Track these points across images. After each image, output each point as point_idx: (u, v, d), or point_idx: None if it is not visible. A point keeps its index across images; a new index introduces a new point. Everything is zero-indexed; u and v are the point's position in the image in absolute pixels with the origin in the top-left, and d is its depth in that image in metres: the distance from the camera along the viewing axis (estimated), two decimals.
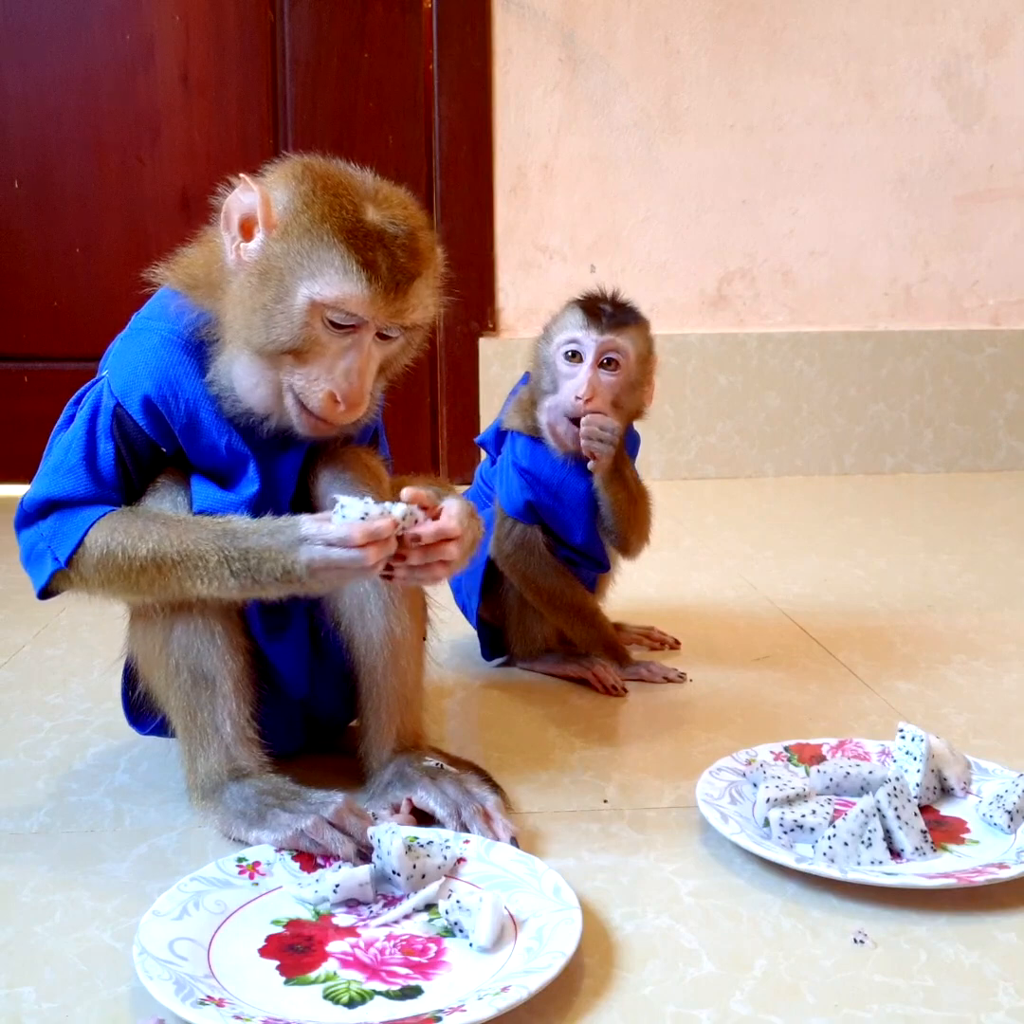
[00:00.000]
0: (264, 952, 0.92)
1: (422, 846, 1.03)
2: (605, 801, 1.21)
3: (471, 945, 0.92)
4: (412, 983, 0.88)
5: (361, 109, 2.86)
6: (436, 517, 1.07)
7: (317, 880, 1.00)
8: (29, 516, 1.12)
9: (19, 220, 2.84)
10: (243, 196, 1.09)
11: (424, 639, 1.26)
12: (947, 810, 1.16)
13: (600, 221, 2.93)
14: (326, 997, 0.87)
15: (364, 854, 1.03)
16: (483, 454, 1.69)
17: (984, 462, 3.06)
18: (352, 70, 2.84)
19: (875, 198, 2.98)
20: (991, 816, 1.12)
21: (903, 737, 1.19)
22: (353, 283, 1.06)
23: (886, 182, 2.98)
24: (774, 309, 3.00)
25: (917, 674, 1.58)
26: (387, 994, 0.87)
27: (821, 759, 1.24)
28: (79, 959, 0.93)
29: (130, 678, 1.25)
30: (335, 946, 0.93)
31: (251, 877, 1.02)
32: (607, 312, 1.48)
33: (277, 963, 0.91)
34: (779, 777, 1.15)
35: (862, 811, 1.06)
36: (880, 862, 1.05)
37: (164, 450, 1.15)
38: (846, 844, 1.05)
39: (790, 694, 1.51)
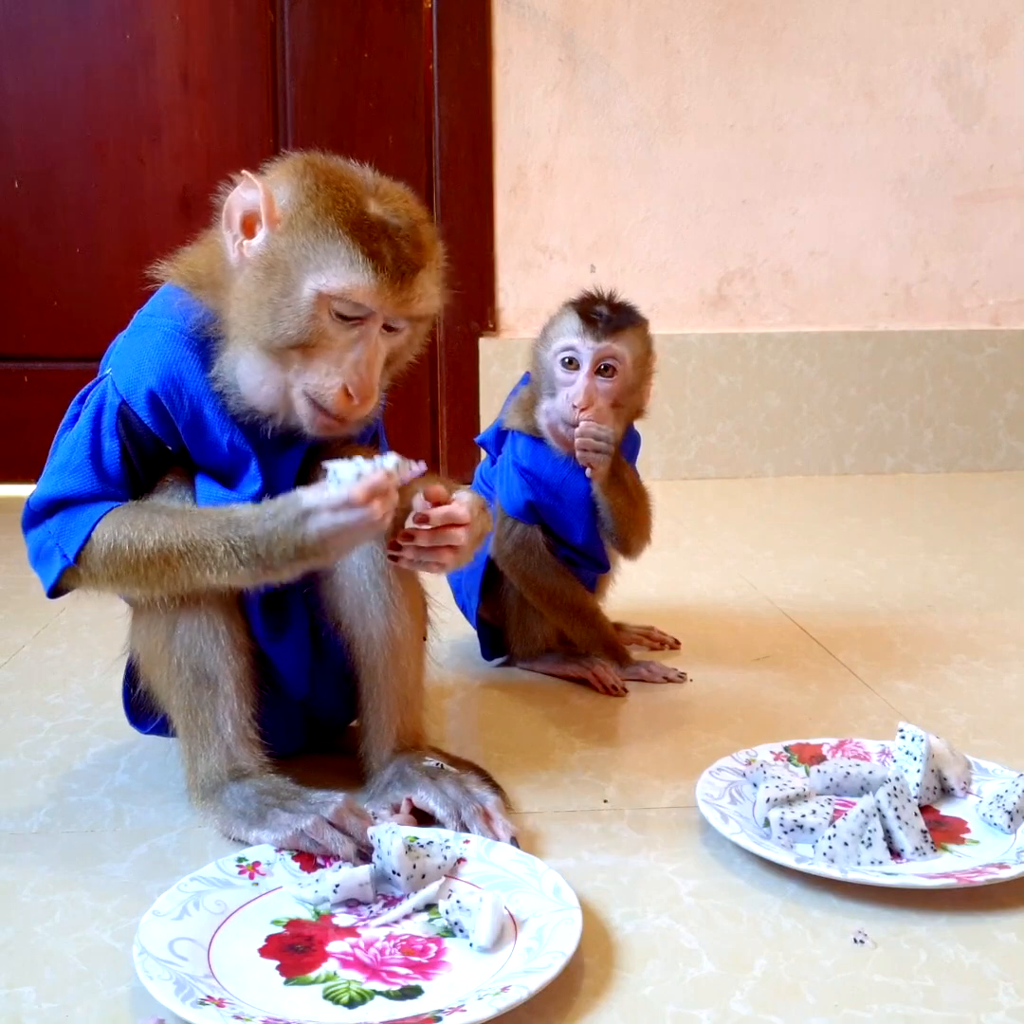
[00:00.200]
0: (264, 952, 0.92)
1: (422, 846, 1.03)
2: (605, 801, 1.21)
3: (471, 945, 0.92)
4: (412, 983, 0.88)
5: (361, 109, 2.86)
6: (445, 502, 1.10)
7: (317, 880, 1.00)
8: (36, 515, 1.12)
9: (19, 220, 2.84)
10: (245, 193, 1.09)
11: (424, 639, 1.26)
12: (947, 810, 1.16)
13: (600, 221, 2.93)
14: (326, 997, 0.87)
15: (364, 854, 1.04)
16: (483, 454, 1.69)
17: (984, 462, 3.06)
18: (352, 70, 2.84)
19: (875, 198, 2.98)
20: (991, 816, 1.12)
21: (903, 737, 1.19)
22: (359, 274, 1.06)
23: (886, 182, 2.98)
24: (774, 309, 3.00)
25: (917, 674, 1.58)
26: (387, 994, 0.87)
27: (821, 759, 1.24)
28: (79, 959, 0.93)
29: (132, 677, 1.25)
30: (335, 946, 0.93)
31: (251, 877, 1.02)
32: (603, 317, 1.47)
33: (277, 963, 0.91)
34: (779, 777, 1.15)
35: (862, 811, 1.06)
36: (880, 862, 1.05)
37: (169, 447, 1.15)
38: (846, 844, 1.05)
39: (790, 694, 1.51)
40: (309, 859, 1.04)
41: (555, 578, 1.55)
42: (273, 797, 1.10)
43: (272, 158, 1.15)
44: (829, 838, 1.05)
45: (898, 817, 1.07)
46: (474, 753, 1.29)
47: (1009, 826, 1.10)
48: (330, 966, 0.91)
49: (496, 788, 1.17)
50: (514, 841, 1.07)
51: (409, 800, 1.13)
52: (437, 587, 1.36)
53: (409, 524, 1.11)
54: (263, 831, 1.07)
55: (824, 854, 1.05)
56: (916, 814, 1.08)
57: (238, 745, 1.14)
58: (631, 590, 1.82)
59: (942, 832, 1.11)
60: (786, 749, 1.25)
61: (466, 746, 1.35)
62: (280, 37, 2.82)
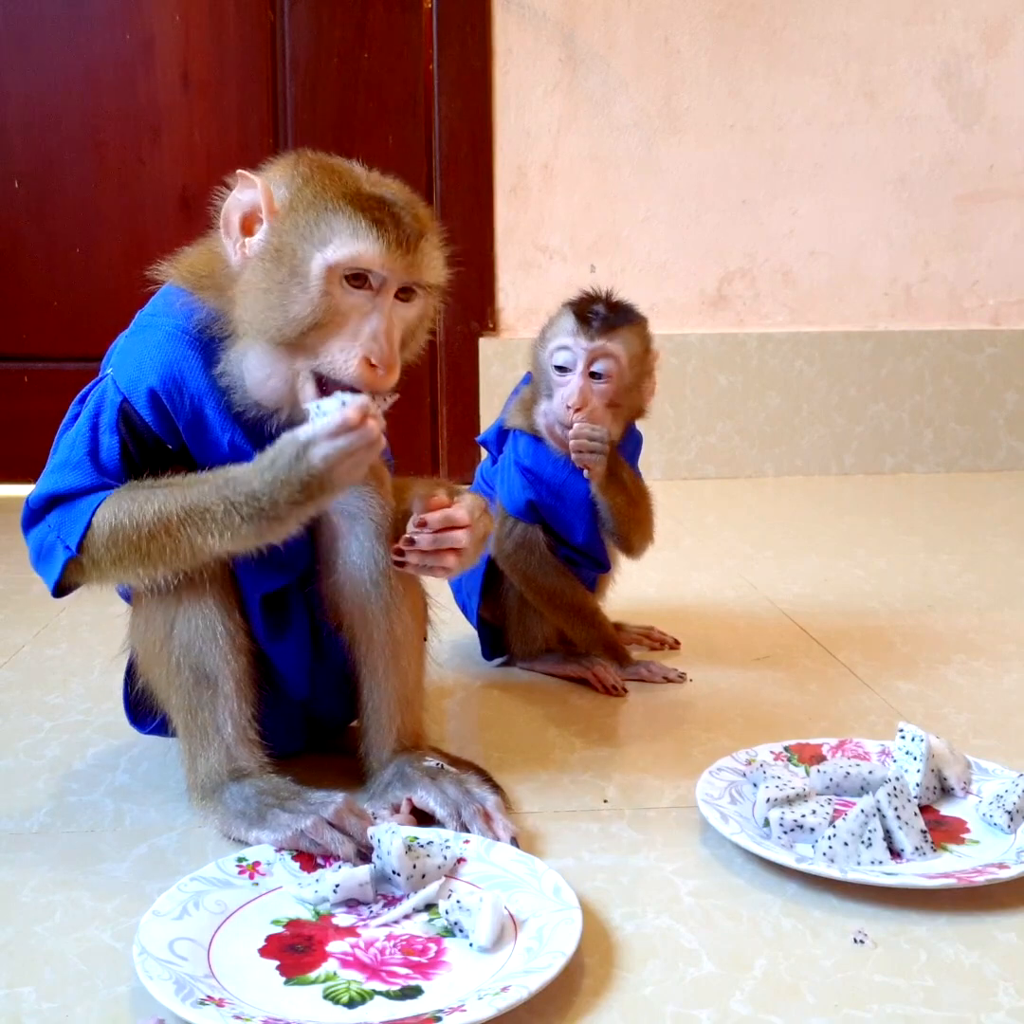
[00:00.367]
0: (264, 952, 0.92)
1: (422, 846, 1.03)
2: (605, 801, 1.21)
3: (471, 945, 0.92)
4: (412, 983, 0.88)
5: (361, 109, 2.86)
6: (444, 506, 1.11)
7: (317, 880, 1.00)
8: (35, 513, 1.12)
9: (19, 220, 2.84)
10: (241, 194, 1.09)
11: (425, 639, 1.26)
12: (947, 810, 1.16)
13: (600, 221, 2.93)
14: (326, 997, 0.87)
15: (364, 854, 1.03)
16: (484, 453, 1.69)
17: (984, 462, 3.06)
18: (352, 70, 2.84)
19: (875, 198, 2.98)
20: (991, 816, 1.12)
21: (903, 737, 1.19)
22: (364, 240, 1.06)
23: (886, 182, 2.98)
24: (774, 309, 3.00)
25: (917, 674, 1.58)
26: (387, 994, 0.87)
27: (821, 759, 1.24)
28: (79, 959, 0.93)
29: (132, 676, 1.25)
30: (335, 946, 0.93)
31: (251, 877, 1.02)
32: (598, 316, 1.47)
33: (277, 963, 0.91)
34: (779, 777, 1.15)
35: (862, 811, 1.06)
36: (880, 862, 1.05)
37: (169, 446, 1.15)
38: (846, 844, 1.05)
39: (790, 694, 1.51)
40: (309, 859, 1.04)
41: (555, 578, 1.55)
42: (273, 797, 1.10)
43: (272, 158, 1.16)
44: (829, 838, 1.05)
45: (898, 817, 1.07)
46: (474, 753, 1.29)
47: (1009, 826, 1.10)
48: (330, 966, 0.91)
49: (496, 788, 1.17)
50: (514, 841, 1.07)
51: (409, 800, 1.13)
52: (437, 587, 1.36)
53: (410, 529, 1.11)
54: (263, 831, 1.07)
55: (824, 854, 1.05)
56: (916, 814, 1.08)
57: (238, 745, 1.13)
58: (631, 590, 1.82)
59: (942, 832, 1.11)
60: (786, 749, 1.25)
61: (466, 746, 1.35)
62: (280, 37, 2.82)
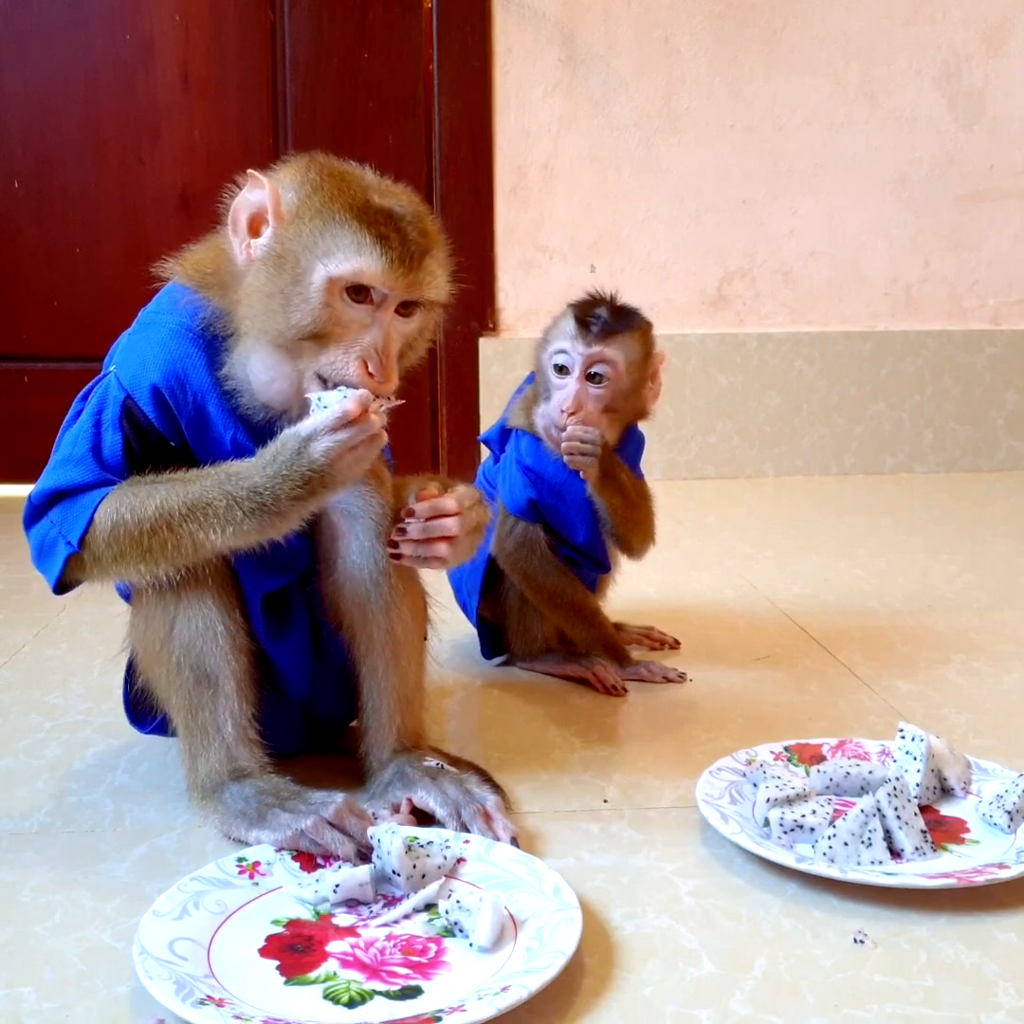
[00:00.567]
0: (264, 952, 0.92)
1: (422, 846, 1.03)
2: (605, 801, 1.21)
3: (471, 945, 0.92)
4: (412, 983, 0.88)
5: (361, 109, 2.86)
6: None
7: (317, 880, 1.00)
8: (37, 509, 1.12)
9: (19, 220, 2.84)
10: (250, 194, 1.09)
11: (425, 639, 1.26)
12: (947, 810, 1.16)
13: (600, 221, 2.93)
14: (326, 997, 0.87)
15: (364, 854, 1.03)
16: (485, 452, 1.69)
17: (984, 462, 3.06)
18: (352, 70, 2.84)
19: (875, 198, 2.98)
20: (991, 816, 1.12)
21: (903, 737, 1.19)
22: (368, 256, 1.06)
23: (886, 182, 2.98)
24: (774, 309, 3.00)
25: (917, 674, 1.58)
26: (387, 994, 0.87)
27: (821, 759, 1.24)
28: (79, 959, 0.93)
29: (131, 675, 1.25)
30: (335, 946, 0.93)
31: (251, 877, 1.02)
32: (599, 321, 1.46)
33: (277, 963, 0.91)
34: (779, 777, 1.15)
35: (862, 811, 1.06)
36: (880, 862, 1.05)
37: (172, 443, 1.15)
38: (846, 844, 1.05)
39: (790, 694, 1.51)
40: (309, 859, 1.04)
41: (556, 577, 1.55)
42: (273, 797, 1.10)
43: (272, 158, 1.16)
44: (829, 838, 1.05)
45: (898, 817, 1.07)
46: (474, 753, 1.29)
47: (1009, 826, 1.10)
48: (330, 966, 0.91)
49: (496, 788, 1.17)
50: (514, 841, 1.07)
51: (409, 800, 1.13)
52: (438, 587, 1.36)
53: (403, 521, 1.12)
54: (263, 831, 1.07)
55: (824, 854, 1.05)
56: (916, 814, 1.08)
57: (238, 745, 1.13)
58: (631, 590, 1.82)
59: (942, 832, 1.11)
60: (786, 749, 1.25)
61: (466, 746, 1.35)
62: (280, 37, 2.82)
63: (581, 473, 1.47)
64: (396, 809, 1.13)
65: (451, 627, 1.59)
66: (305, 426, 1.03)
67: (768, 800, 1.12)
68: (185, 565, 1.09)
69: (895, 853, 1.07)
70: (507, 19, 2.83)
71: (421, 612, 1.24)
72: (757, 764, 1.19)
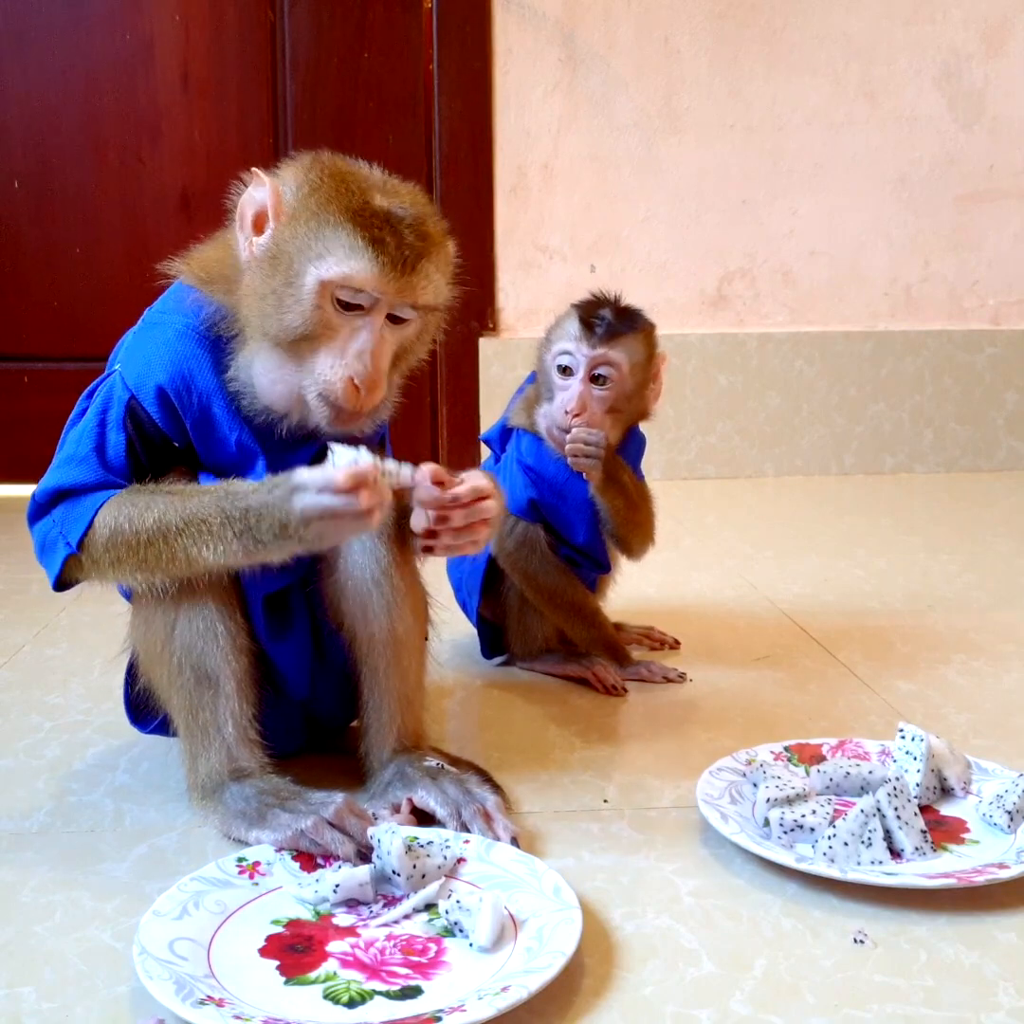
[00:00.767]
0: (264, 952, 0.92)
1: (422, 846, 1.03)
2: (605, 801, 1.21)
3: (471, 945, 0.92)
4: (412, 983, 0.88)
5: (361, 109, 2.86)
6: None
7: (317, 880, 1.00)
8: (41, 507, 1.12)
9: (19, 220, 2.84)
10: (255, 192, 1.10)
11: (426, 639, 1.26)
12: (947, 810, 1.16)
13: (600, 221, 2.93)
14: (326, 997, 0.87)
15: (364, 854, 1.03)
16: (485, 452, 1.69)
17: (984, 462, 3.06)
18: (352, 70, 2.84)
19: (875, 198, 2.98)
20: (991, 816, 1.12)
21: (903, 737, 1.19)
22: (360, 260, 1.06)
23: (886, 182, 2.98)
24: (774, 309, 3.00)
25: (917, 674, 1.58)
26: (387, 994, 0.87)
27: (821, 759, 1.24)
28: (79, 959, 0.93)
29: (132, 675, 1.25)
30: (335, 946, 0.93)
31: (251, 877, 1.02)
32: (603, 322, 1.46)
33: (277, 963, 0.91)
34: (779, 777, 1.15)
35: (862, 811, 1.06)
36: (880, 862, 1.05)
37: (176, 444, 1.15)
38: (846, 844, 1.05)
39: (790, 694, 1.51)
40: (309, 859, 1.04)
41: (556, 577, 1.55)
42: (273, 797, 1.10)
43: (272, 158, 1.16)
44: (829, 838, 1.05)
45: (898, 817, 1.07)
46: (474, 753, 1.29)
47: (1009, 826, 1.10)
48: (330, 966, 0.91)
49: (496, 788, 1.17)
50: (514, 841, 1.07)
51: (409, 800, 1.13)
52: (438, 587, 1.36)
53: (437, 505, 1.09)
54: (263, 831, 1.07)
55: (824, 854, 1.05)
56: (916, 814, 1.08)
57: (239, 745, 1.13)
58: (631, 590, 1.82)
59: (942, 832, 1.11)
60: (786, 749, 1.25)
61: (466, 746, 1.35)
62: (280, 37, 2.82)
63: (584, 475, 1.47)
64: (396, 809, 1.13)
65: (451, 627, 1.59)
66: (302, 474, 1.02)
67: (768, 800, 1.12)
68: (180, 577, 1.10)
69: (895, 853, 1.07)
70: (507, 19, 2.83)
71: (422, 612, 1.24)
72: (757, 764, 1.19)
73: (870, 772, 1.18)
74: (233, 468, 1.15)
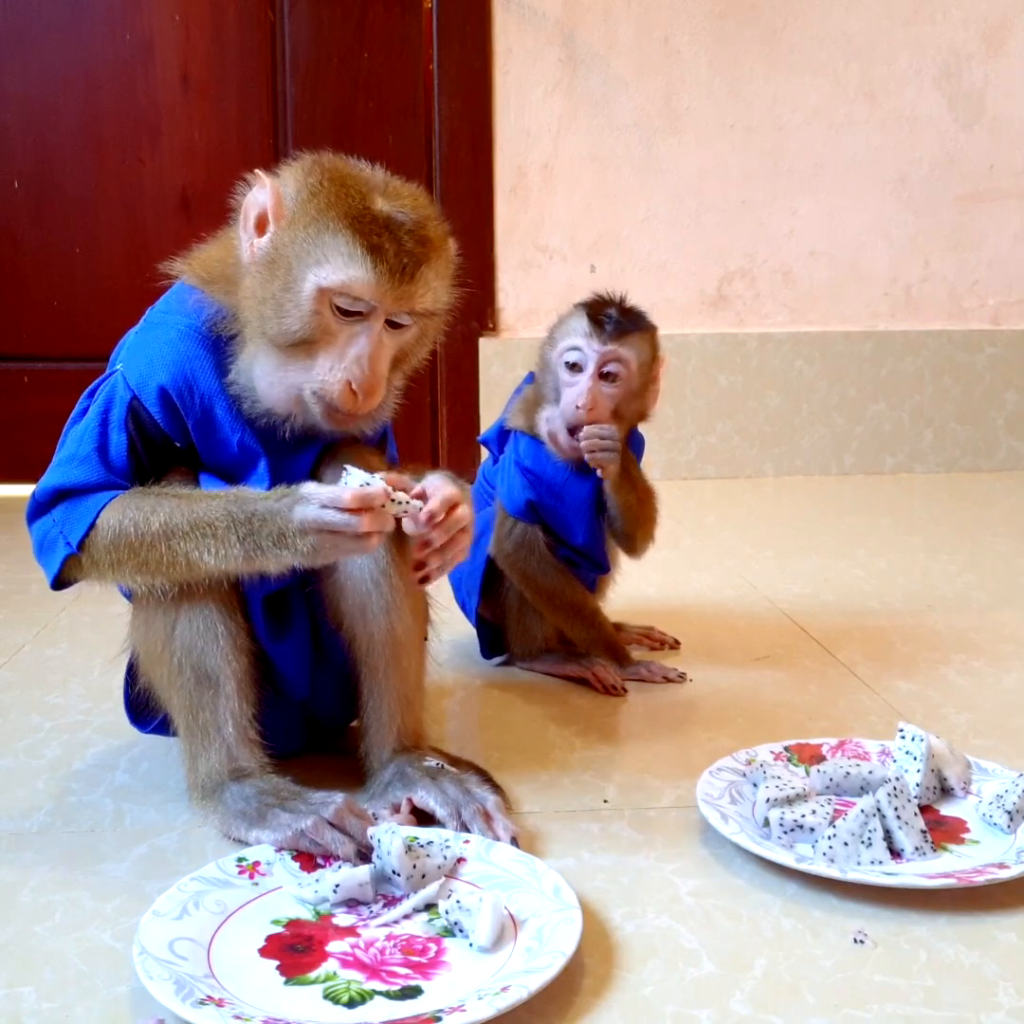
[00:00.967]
0: (264, 952, 0.92)
1: (422, 846, 1.03)
2: (605, 801, 1.21)
3: (471, 945, 0.92)
4: (412, 983, 0.88)
5: (361, 109, 2.86)
6: (420, 497, 1.08)
7: (317, 880, 1.00)
8: (41, 506, 1.12)
9: (19, 220, 2.84)
10: (258, 193, 1.10)
11: (425, 639, 1.26)
12: (947, 810, 1.16)
13: (600, 221, 2.93)
14: (326, 997, 0.87)
15: (364, 854, 1.03)
16: (485, 452, 1.69)
17: (984, 462, 3.06)
18: (352, 70, 2.84)
19: (875, 198, 2.98)
20: (991, 816, 1.12)
21: (903, 737, 1.19)
22: (358, 267, 1.06)
23: (886, 182, 2.98)
24: (774, 309, 3.00)
25: (917, 674, 1.58)
26: (387, 994, 0.87)
27: (821, 759, 1.24)
28: (79, 959, 0.93)
29: (132, 675, 1.25)
30: (335, 946, 0.93)
31: (251, 877, 1.02)
32: (611, 320, 1.47)
33: (277, 963, 0.91)
34: (779, 777, 1.15)
35: (862, 811, 1.06)
36: (880, 862, 1.05)
37: (177, 444, 1.15)
38: (846, 844, 1.05)
39: (790, 694, 1.51)
40: (309, 859, 1.04)
41: (555, 577, 1.55)
42: (273, 797, 1.10)
43: (272, 158, 1.16)
44: (829, 838, 1.05)
45: (898, 817, 1.07)
46: (474, 753, 1.29)
47: (1009, 826, 1.10)
48: (330, 966, 0.91)
49: (496, 788, 1.17)
50: (514, 841, 1.07)
51: (409, 800, 1.13)
52: (438, 586, 1.36)
53: (417, 531, 1.09)
54: (263, 831, 1.07)
55: (824, 854, 1.05)
56: (916, 814, 1.08)
57: (239, 745, 1.13)
58: (631, 590, 1.82)
59: (942, 832, 1.11)
60: (786, 749, 1.25)
61: (466, 746, 1.35)
62: (280, 37, 2.82)
63: (600, 471, 1.46)
64: (396, 809, 1.13)
65: (451, 627, 1.59)
66: (309, 487, 1.04)
67: (768, 800, 1.12)
68: (179, 581, 1.10)
69: (895, 853, 1.07)
70: (507, 19, 2.83)
71: (421, 612, 1.24)
72: (757, 764, 1.19)
73: (870, 772, 1.18)
74: (235, 469, 1.15)
